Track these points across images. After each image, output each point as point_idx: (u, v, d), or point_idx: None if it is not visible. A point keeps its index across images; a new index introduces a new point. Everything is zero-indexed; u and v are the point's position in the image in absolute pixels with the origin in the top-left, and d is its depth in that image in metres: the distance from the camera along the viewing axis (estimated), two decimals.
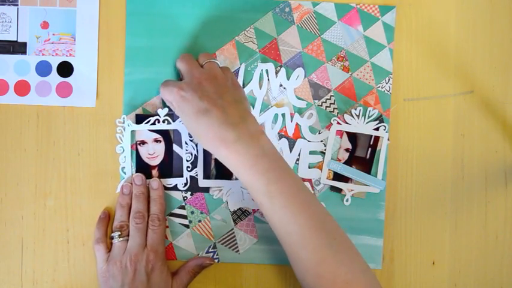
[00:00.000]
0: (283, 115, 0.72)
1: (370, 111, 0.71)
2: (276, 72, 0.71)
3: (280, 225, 0.61)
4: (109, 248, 0.69)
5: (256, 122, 0.64)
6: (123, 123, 0.70)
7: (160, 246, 0.68)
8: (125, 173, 0.71)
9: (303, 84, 0.72)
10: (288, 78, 0.72)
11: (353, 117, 0.71)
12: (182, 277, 0.69)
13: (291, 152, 0.71)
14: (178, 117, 0.70)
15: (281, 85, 0.72)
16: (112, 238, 0.68)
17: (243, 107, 0.64)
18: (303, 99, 0.72)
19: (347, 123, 0.72)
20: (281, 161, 0.62)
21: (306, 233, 0.59)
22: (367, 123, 0.71)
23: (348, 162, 0.72)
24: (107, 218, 0.70)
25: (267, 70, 0.71)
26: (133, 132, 0.71)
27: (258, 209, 0.71)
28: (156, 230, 0.68)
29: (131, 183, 0.70)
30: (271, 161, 0.61)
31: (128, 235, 0.68)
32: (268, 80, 0.71)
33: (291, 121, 0.71)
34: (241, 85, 0.71)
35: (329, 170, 0.72)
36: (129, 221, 0.68)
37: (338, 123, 0.72)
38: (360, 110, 0.71)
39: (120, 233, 0.68)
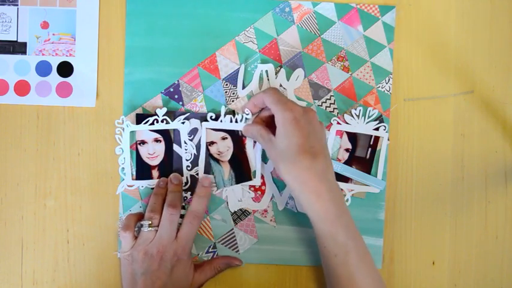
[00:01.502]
0: None
1: (370, 111, 0.71)
2: (276, 73, 0.71)
3: (348, 276, 0.62)
4: (135, 236, 0.68)
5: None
6: (122, 124, 0.70)
7: (191, 242, 0.68)
8: (124, 174, 0.71)
9: (303, 84, 0.72)
10: (288, 78, 0.71)
11: (353, 117, 0.71)
12: (206, 272, 0.69)
13: None
14: (177, 116, 0.70)
15: (281, 86, 0.72)
16: (141, 226, 0.67)
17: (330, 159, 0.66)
18: (303, 100, 0.72)
19: (347, 123, 0.72)
20: (353, 220, 0.64)
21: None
22: (367, 123, 0.71)
23: (348, 162, 0.72)
24: (140, 215, 0.70)
25: (266, 71, 0.71)
26: (133, 132, 0.71)
27: (257, 210, 0.71)
28: (193, 226, 0.67)
29: (166, 179, 0.70)
30: (350, 218, 0.64)
31: (157, 226, 0.67)
32: (268, 80, 0.71)
33: None
34: (242, 86, 0.71)
35: None
36: (162, 211, 0.68)
37: (338, 123, 0.72)
38: (360, 110, 0.71)
39: (150, 222, 0.67)
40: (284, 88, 0.72)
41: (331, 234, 0.62)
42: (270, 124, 0.68)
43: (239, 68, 0.71)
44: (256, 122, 0.70)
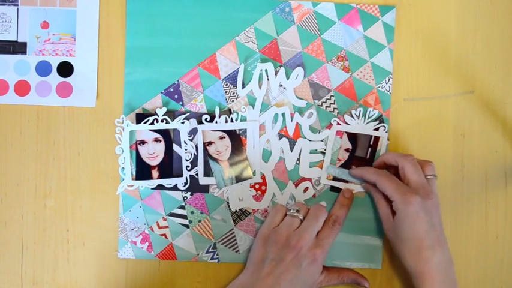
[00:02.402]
0: (283, 115, 0.72)
1: (370, 111, 0.71)
2: (276, 73, 0.71)
3: None
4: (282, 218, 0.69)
5: None
6: (122, 123, 0.70)
7: (328, 245, 0.67)
8: (124, 174, 0.71)
9: (303, 84, 0.72)
10: (288, 77, 0.72)
11: (353, 117, 0.71)
12: (331, 277, 0.69)
13: (291, 151, 0.71)
14: (177, 116, 0.70)
15: (281, 85, 0.72)
16: (289, 210, 0.68)
17: None
18: (303, 99, 0.72)
19: (347, 123, 0.72)
20: None
21: None
22: (367, 123, 0.71)
23: (348, 162, 0.72)
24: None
25: (266, 70, 0.71)
26: (133, 132, 0.71)
27: (258, 209, 0.71)
28: (333, 230, 0.68)
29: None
30: None
31: (304, 217, 0.68)
32: (268, 79, 0.71)
33: (291, 121, 0.71)
34: (242, 85, 0.71)
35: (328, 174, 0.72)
36: (312, 206, 0.69)
37: (338, 123, 0.72)
38: (360, 111, 0.71)
39: (298, 208, 0.68)
40: (284, 87, 0.72)
41: None
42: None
43: (239, 67, 0.71)
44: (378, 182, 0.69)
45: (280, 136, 0.72)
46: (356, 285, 0.70)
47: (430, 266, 0.63)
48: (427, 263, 0.63)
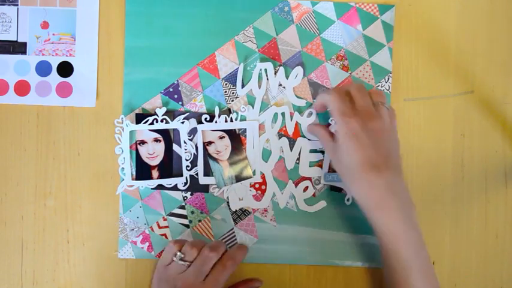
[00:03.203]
0: (283, 114, 0.72)
1: None
2: (275, 72, 0.71)
3: (421, 275, 0.61)
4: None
5: None
6: (122, 123, 0.70)
7: (221, 286, 0.66)
8: (124, 174, 0.71)
9: (303, 83, 0.72)
10: (287, 77, 0.72)
11: None
12: None
13: (291, 151, 0.71)
14: (176, 116, 0.70)
15: (280, 84, 0.72)
16: (174, 255, 0.66)
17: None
18: (303, 98, 0.72)
19: None
20: (421, 236, 0.63)
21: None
22: None
23: None
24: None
25: (265, 69, 0.71)
26: (132, 132, 0.71)
27: (258, 209, 0.71)
28: (226, 270, 0.66)
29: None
30: (418, 233, 0.62)
31: (191, 262, 0.66)
32: (267, 79, 0.71)
33: (291, 120, 0.71)
34: (241, 85, 0.71)
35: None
36: (201, 250, 0.66)
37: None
38: None
39: (183, 255, 0.66)
40: (283, 87, 0.72)
41: (394, 250, 0.61)
42: None
43: (238, 67, 0.71)
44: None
45: (280, 135, 0.72)
46: None
47: (378, 190, 0.60)
48: (373, 187, 0.61)
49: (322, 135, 0.67)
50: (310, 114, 0.72)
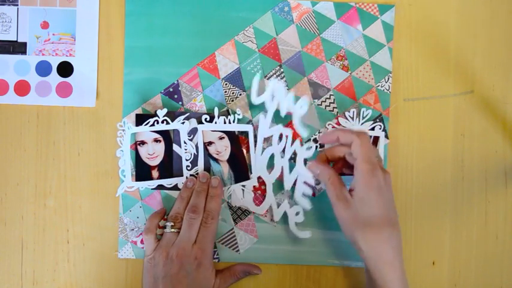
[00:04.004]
0: (287, 137, 0.71)
1: (364, 111, 0.71)
2: (278, 75, 0.71)
3: None
4: (157, 238, 0.68)
5: None
6: (123, 126, 0.70)
7: (209, 244, 0.67)
8: (124, 176, 0.71)
9: (302, 83, 0.72)
10: (295, 102, 0.70)
11: (347, 119, 0.71)
12: (226, 278, 0.69)
13: (290, 173, 0.70)
14: (177, 116, 0.70)
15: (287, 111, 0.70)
16: (164, 227, 0.67)
17: None
18: (308, 127, 0.71)
19: (342, 126, 0.71)
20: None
21: None
22: (362, 123, 0.71)
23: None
24: (162, 213, 0.70)
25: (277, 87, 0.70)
26: (133, 134, 0.71)
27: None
28: (208, 228, 0.67)
29: (196, 177, 0.70)
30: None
31: (180, 228, 0.67)
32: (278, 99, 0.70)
33: (291, 145, 0.70)
34: (256, 93, 0.70)
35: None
36: (184, 214, 0.68)
37: (333, 127, 0.71)
38: (353, 112, 0.71)
39: (173, 223, 0.67)
40: (290, 112, 0.70)
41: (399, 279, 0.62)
42: (336, 160, 0.68)
43: (238, 67, 0.71)
44: (324, 160, 0.68)
45: (282, 155, 0.70)
46: (250, 276, 0.71)
47: (390, 246, 0.61)
48: (387, 242, 0.61)
49: (331, 176, 0.65)
50: (309, 148, 0.70)
